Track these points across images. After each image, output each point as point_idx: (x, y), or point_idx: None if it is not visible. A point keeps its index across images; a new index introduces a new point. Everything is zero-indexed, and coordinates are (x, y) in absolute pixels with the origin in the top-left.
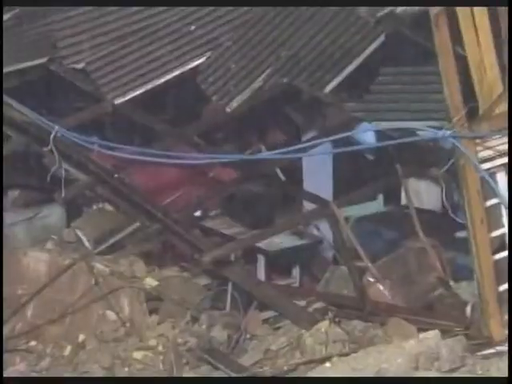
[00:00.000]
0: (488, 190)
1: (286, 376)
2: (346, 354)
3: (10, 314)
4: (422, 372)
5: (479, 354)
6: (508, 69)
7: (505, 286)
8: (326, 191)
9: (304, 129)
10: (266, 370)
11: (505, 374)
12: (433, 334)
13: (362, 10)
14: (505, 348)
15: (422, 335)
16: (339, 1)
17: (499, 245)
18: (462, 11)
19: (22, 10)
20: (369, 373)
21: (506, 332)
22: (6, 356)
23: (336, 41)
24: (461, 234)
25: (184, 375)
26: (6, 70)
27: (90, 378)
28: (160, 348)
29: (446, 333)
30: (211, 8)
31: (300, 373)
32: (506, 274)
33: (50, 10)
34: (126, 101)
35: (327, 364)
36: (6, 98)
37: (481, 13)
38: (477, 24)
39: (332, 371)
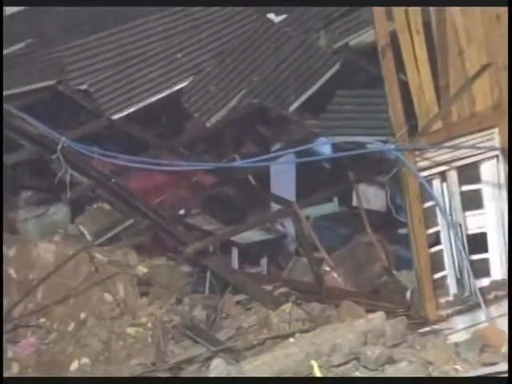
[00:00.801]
0: (425, 195)
1: (286, 376)
2: (306, 331)
3: (23, 296)
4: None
5: (417, 331)
6: (508, 69)
7: (439, 275)
8: (289, 194)
9: (272, 141)
10: (239, 344)
11: (439, 349)
12: (379, 315)
13: (322, 42)
14: (439, 327)
15: (369, 316)
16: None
17: (434, 240)
18: (404, 44)
19: (35, 39)
20: (325, 347)
21: (440, 313)
22: (20, 330)
23: (299, 68)
24: (402, 231)
25: (169, 348)
26: (21, 89)
27: (90, 378)
28: (149, 325)
29: (389, 313)
30: (195, 38)
31: (267, 347)
32: (440, 264)
33: (59, 39)
34: (122, 117)
35: (291, 340)
36: (20, 113)
37: (419, 45)
38: (416, 55)
39: (294, 346)
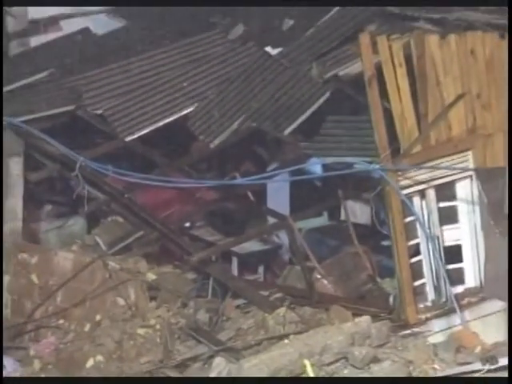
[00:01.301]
0: (406, 210)
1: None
2: (300, 333)
3: (44, 299)
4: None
5: (399, 333)
6: (508, 69)
7: (418, 282)
8: (284, 209)
9: (268, 161)
10: (238, 344)
11: (419, 350)
12: (365, 319)
13: (314, 73)
14: (419, 329)
15: (356, 319)
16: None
17: (414, 251)
18: (388, 75)
19: (56, 69)
20: (317, 347)
21: (419, 317)
22: (41, 331)
23: (293, 95)
24: (385, 243)
25: (175, 347)
26: (43, 114)
27: (91, 378)
28: (158, 326)
29: (374, 317)
30: (199, 69)
31: (264, 347)
32: (419, 273)
33: (77, 69)
34: (134, 139)
35: (286, 341)
36: (43, 135)
37: (401, 76)
38: (399, 85)
39: (289, 346)
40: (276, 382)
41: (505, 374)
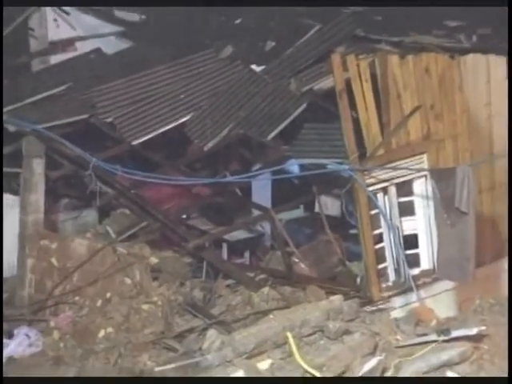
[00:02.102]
0: (371, 204)
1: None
2: (282, 309)
3: (62, 279)
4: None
5: (367, 310)
6: (508, 69)
7: (381, 265)
8: (266, 203)
9: (253, 162)
10: (228, 318)
11: (384, 323)
12: (338, 297)
13: (292, 87)
14: (383, 306)
15: (331, 298)
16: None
17: (378, 239)
18: (356, 89)
19: (73, 83)
20: (297, 322)
21: (382, 295)
22: (59, 306)
23: (275, 106)
24: (353, 231)
25: (174, 320)
26: (62, 121)
27: (91, 378)
28: (159, 302)
29: (345, 295)
30: (195, 83)
31: (250, 320)
32: (382, 257)
33: (91, 84)
34: (139, 143)
35: (271, 316)
36: (61, 139)
37: (367, 90)
38: (365, 97)
39: (274, 320)
40: (278, 382)
41: (456, 346)
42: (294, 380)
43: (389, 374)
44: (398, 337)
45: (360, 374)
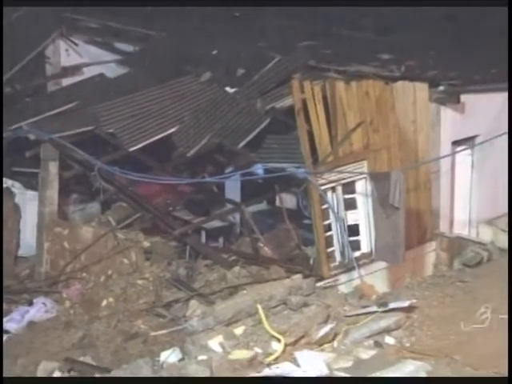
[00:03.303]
0: (322, 200)
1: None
2: (251, 284)
3: (72, 259)
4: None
5: (321, 286)
6: (508, 69)
7: (330, 249)
8: (237, 198)
9: (226, 166)
10: (206, 291)
11: (334, 297)
12: (298, 276)
13: (258, 105)
14: (333, 283)
15: (292, 277)
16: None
17: (327, 228)
18: (311, 108)
19: (81, 101)
20: (265, 296)
21: (331, 273)
22: (70, 281)
23: (244, 120)
24: (307, 222)
25: (163, 293)
26: (72, 132)
27: (91, 378)
28: (151, 278)
29: (302, 274)
30: (180, 101)
31: (224, 294)
32: (331, 243)
33: (95, 100)
34: (135, 149)
35: (244, 291)
36: (72, 146)
37: (320, 109)
38: (318, 115)
39: (246, 295)
40: (277, 382)
41: (392, 316)
42: (293, 380)
43: (339, 338)
44: (346, 308)
45: (316, 339)
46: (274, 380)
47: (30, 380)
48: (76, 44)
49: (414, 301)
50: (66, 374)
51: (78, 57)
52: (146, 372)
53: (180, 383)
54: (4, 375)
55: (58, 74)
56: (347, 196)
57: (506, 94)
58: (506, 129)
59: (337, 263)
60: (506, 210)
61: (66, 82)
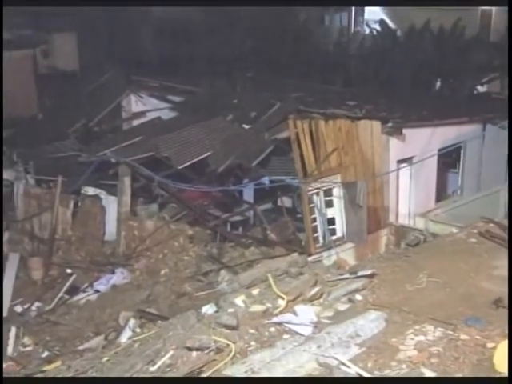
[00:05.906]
0: (310, 201)
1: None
2: (263, 260)
3: (140, 242)
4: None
5: (310, 261)
6: (508, 69)
7: (315, 235)
8: (251, 200)
9: (243, 178)
10: (231, 264)
11: (320, 268)
12: (295, 254)
13: (266, 136)
14: (318, 258)
15: (291, 254)
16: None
17: (313, 220)
18: (302, 138)
19: (145, 136)
20: (273, 268)
21: (317, 251)
22: (139, 257)
23: (256, 147)
24: (300, 216)
25: (203, 266)
26: (139, 156)
27: (91, 378)
28: (193, 255)
29: (298, 253)
30: (212, 134)
31: (243, 266)
32: (316, 230)
33: (155, 135)
34: (183, 167)
35: (258, 265)
36: (139, 166)
37: (308, 139)
38: (306, 143)
39: (260, 267)
40: (277, 381)
41: (360, 281)
42: (298, 380)
43: (324, 296)
44: (328, 275)
45: (308, 297)
46: (275, 380)
47: (30, 380)
48: (142, 97)
49: (375, 270)
50: (139, 321)
51: (143, 105)
52: (192, 320)
53: (180, 383)
54: (95, 321)
55: (130, 118)
56: (327, 198)
57: (433, 129)
58: (433, 151)
59: (320, 244)
60: (434, 206)
61: (136, 123)
